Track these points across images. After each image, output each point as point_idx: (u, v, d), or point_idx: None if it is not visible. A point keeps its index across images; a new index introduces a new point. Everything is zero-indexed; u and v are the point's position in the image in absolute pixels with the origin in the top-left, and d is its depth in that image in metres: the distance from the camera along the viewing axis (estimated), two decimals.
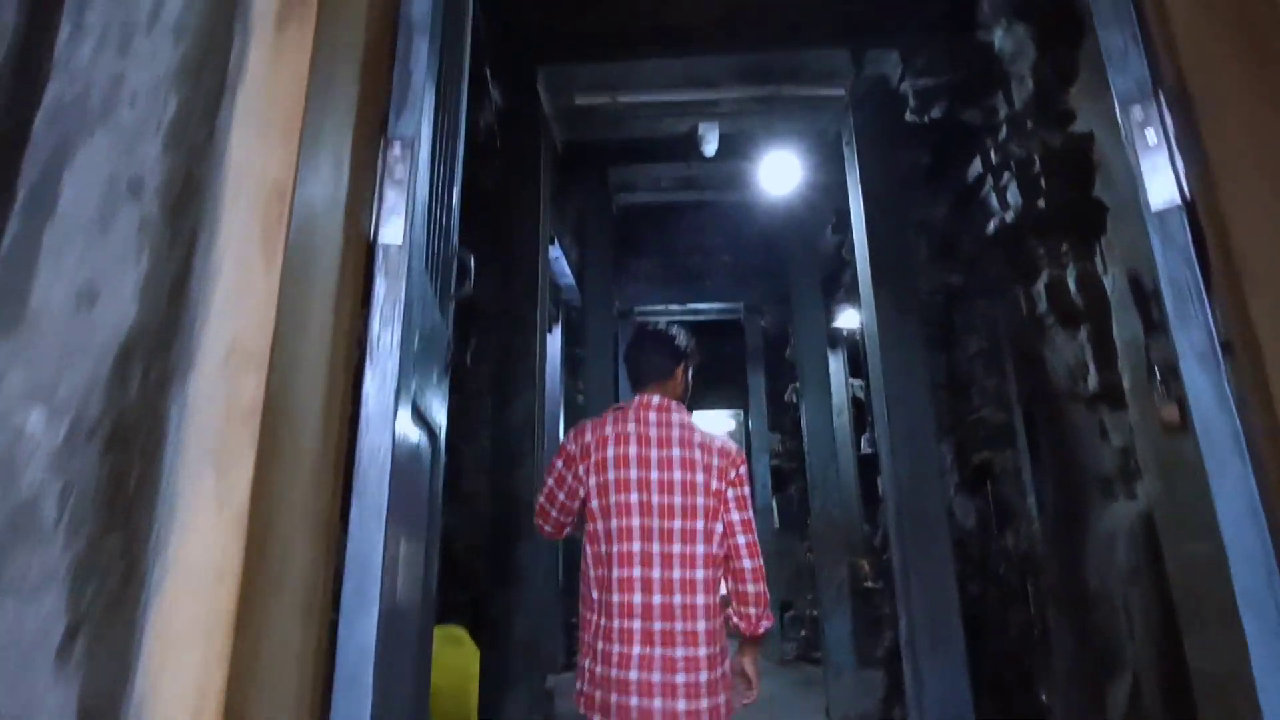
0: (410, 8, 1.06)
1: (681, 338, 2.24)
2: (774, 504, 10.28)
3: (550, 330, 8.29)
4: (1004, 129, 3.41)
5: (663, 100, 3.82)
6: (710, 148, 4.20)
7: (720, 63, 3.67)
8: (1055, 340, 3.21)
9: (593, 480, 1.99)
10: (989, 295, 3.71)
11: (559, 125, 4.04)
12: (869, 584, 7.62)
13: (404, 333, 0.95)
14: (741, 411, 10.73)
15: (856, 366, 8.14)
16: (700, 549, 1.91)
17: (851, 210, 3.97)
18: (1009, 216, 3.35)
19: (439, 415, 1.25)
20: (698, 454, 1.99)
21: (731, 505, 1.98)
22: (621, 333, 9.58)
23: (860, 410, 8.20)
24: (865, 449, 7.55)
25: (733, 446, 2.13)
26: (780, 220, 6.64)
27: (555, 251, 7.20)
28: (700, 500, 1.94)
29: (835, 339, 8.03)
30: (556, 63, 3.65)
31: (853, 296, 6.65)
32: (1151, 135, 0.99)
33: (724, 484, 1.99)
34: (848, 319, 7.54)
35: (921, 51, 3.46)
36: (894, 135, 3.70)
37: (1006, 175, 3.37)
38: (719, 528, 1.95)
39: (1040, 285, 3.27)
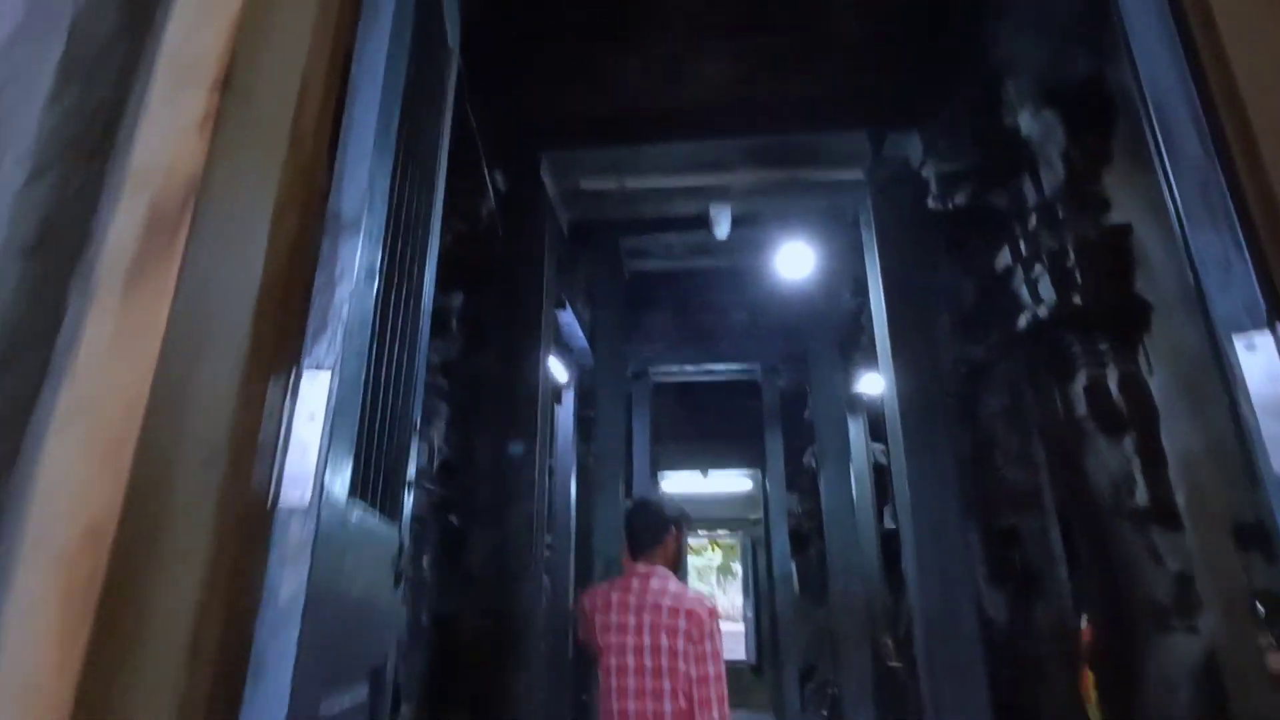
0: (339, 204, 0.88)
1: (669, 509, 2.70)
2: (793, 567, 9.92)
3: (560, 400, 8.11)
4: (1033, 217, 3.20)
5: (672, 185, 3.67)
6: (722, 230, 4.03)
7: (733, 145, 3.51)
8: (1097, 448, 2.95)
9: (597, 633, 2.53)
10: (1018, 392, 3.46)
11: (565, 208, 3.90)
12: (892, 663, 7.22)
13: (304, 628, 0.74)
14: (759, 471, 10.42)
15: (878, 430, 7.86)
16: (667, 685, 2.41)
17: (870, 295, 3.76)
18: (1042, 311, 3.12)
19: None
20: (666, 617, 2.45)
21: (693, 660, 2.40)
22: (636, 394, 9.40)
23: (881, 476, 7.88)
24: (888, 524, 7.22)
25: (702, 608, 2.47)
26: (797, 284, 6.45)
27: (567, 316, 7.06)
28: (665, 659, 2.42)
29: (855, 403, 7.76)
30: (561, 148, 3.51)
31: (872, 360, 6.43)
32: (1266, 371, 0.77)
33: (688, 643, 2.42)
34: (868, 383, 7.29)
35: (944, 135, 3.28)
36: (915, 220, 3.50)
37: (1038, 267, 3.15)
38: (688, 669, 2.41)
39: (1078, 386, 3.02)
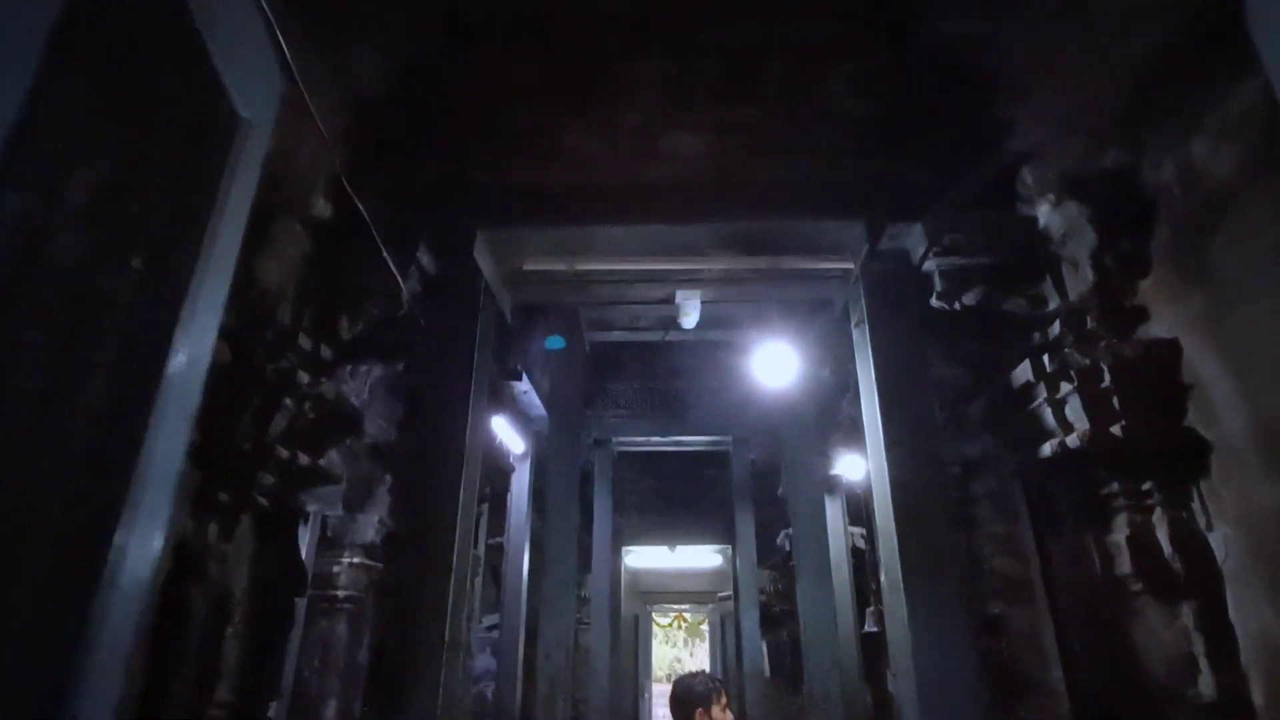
0: None
1: (697, 687, 2.90)
2: (763, 649, 9.23)
3: (511, 472, 7.45)
4: (1058, 326, 2.71)
5: (633, 269, 3.13)
6: (690, 320, 3.50)
7: (705, 228, 2.99)
8: (1146, 618, 2.41)
9: None
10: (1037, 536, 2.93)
11: (506, 291, 3.33)
12: None
13: None
14: (729, 547, 9.78)
15: (857, 513, 7.31)
16: None
17: (861, 393, 3.22)
18: (1072, 441, 2.60)
19: None
20: None
21: None
22: (598, 464, 8.76)
23: (861, 561, 7.30)
24: (869, 626, 6.62)
25: None
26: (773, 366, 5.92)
27: (524, 385, 6.49)
28: None
29: (833, 485, 7.21)
30: (501, 225, 2.96)
31: (853, 442, 5.90)
32: None
33: None
34: (847, 465, 6.74)
35: (951, 227, 2.80)
36: (916, 321, 2.99)
37: (1066, 387, 2.64)
38: None
39: (1118, 535, 2.49)
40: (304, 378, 2.89)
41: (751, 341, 5.04)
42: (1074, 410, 2.65)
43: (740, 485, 8.69)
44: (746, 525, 8.75)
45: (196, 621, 2.59)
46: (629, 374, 8.38)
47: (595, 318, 5.65)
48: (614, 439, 8.78)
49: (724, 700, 3.00)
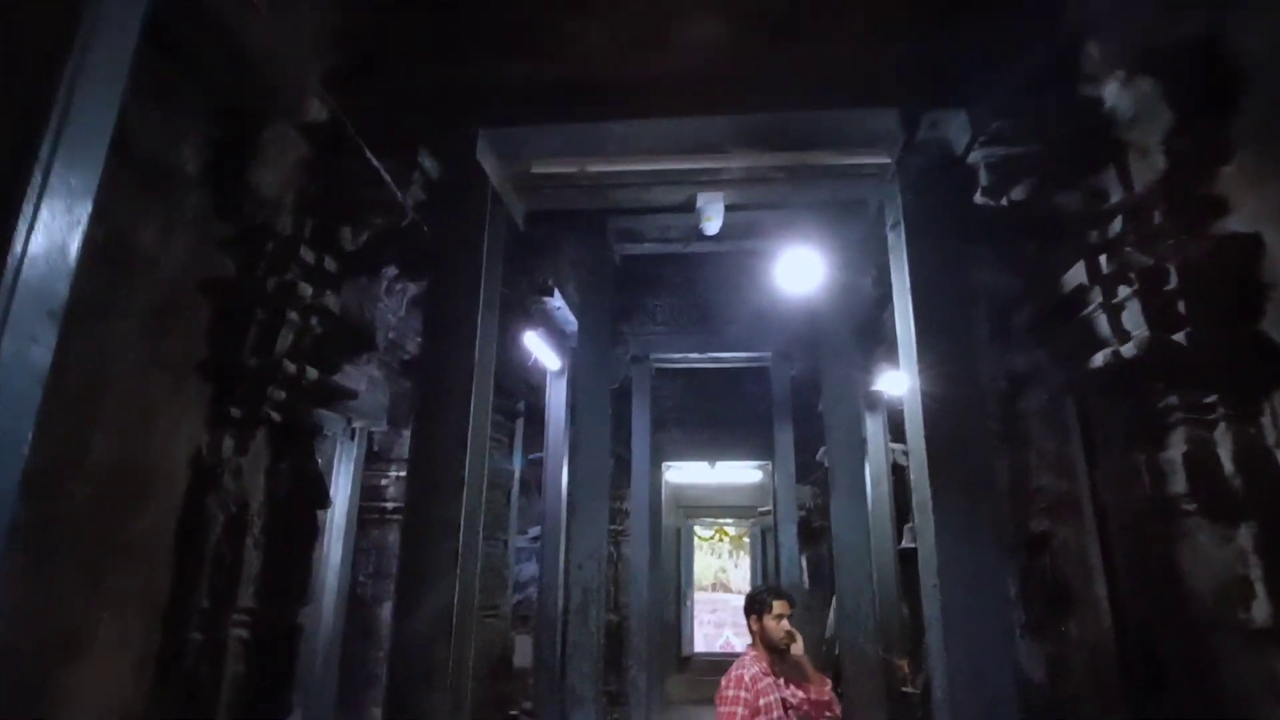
0: None
1: (754, 598, 3.19)
2: (802, 563, 9.28)
3: (552, 386, 7.42)
4: (1120, 222, 2.41)
5: (647, 169, 2.90)
6: (713, 225, 3.26)
7: (725, 122, 2.73)
8: (1196, 539, 2.21)
9: None
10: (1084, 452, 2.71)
11: (516, 196, 3.14)
12: (907, 689, 6.59)
13: None
14: (769, 462, 9.72)
15: (899, 429, 7.11)
16: None
17: (895, 299, 2.99)
18: (1127, 350, 2.35)
19: None
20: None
21: None
22: (637, 380, 8.67)
23: (901, 479, 7.16)
24: (906, 542, 6.52)
25: (722, 682, 2.93)
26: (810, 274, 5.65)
27: (556, 301, 6.38)
28: None
29: (874, 401, 7.00)
30: (504, 124, 2.75)
31: (895, 357, 5.66)
32: None
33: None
34: (890, 381, 6.52)
35: (1000, 114, 2.48)
36: (957, 222, 2.71)
37: (1124, 290, 2.37)
38: None
39: (1173, 452, 2.27)
40: (307, 290, 2.80)
41: (788, 253, 4.76)
42: (1132, 317, 2.39)
43: (780, 401, 8.53)
44: (786, 441, 8.63)
45: (214, 532, 2.61)
46: (665, 289, 8.17)
47: (623, 228, 5.43)
48: (651, 355, 8.65)
49: (778, 610, 2.99)
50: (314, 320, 2.89)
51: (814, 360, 7.88)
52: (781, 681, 2.92)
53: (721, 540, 18.59)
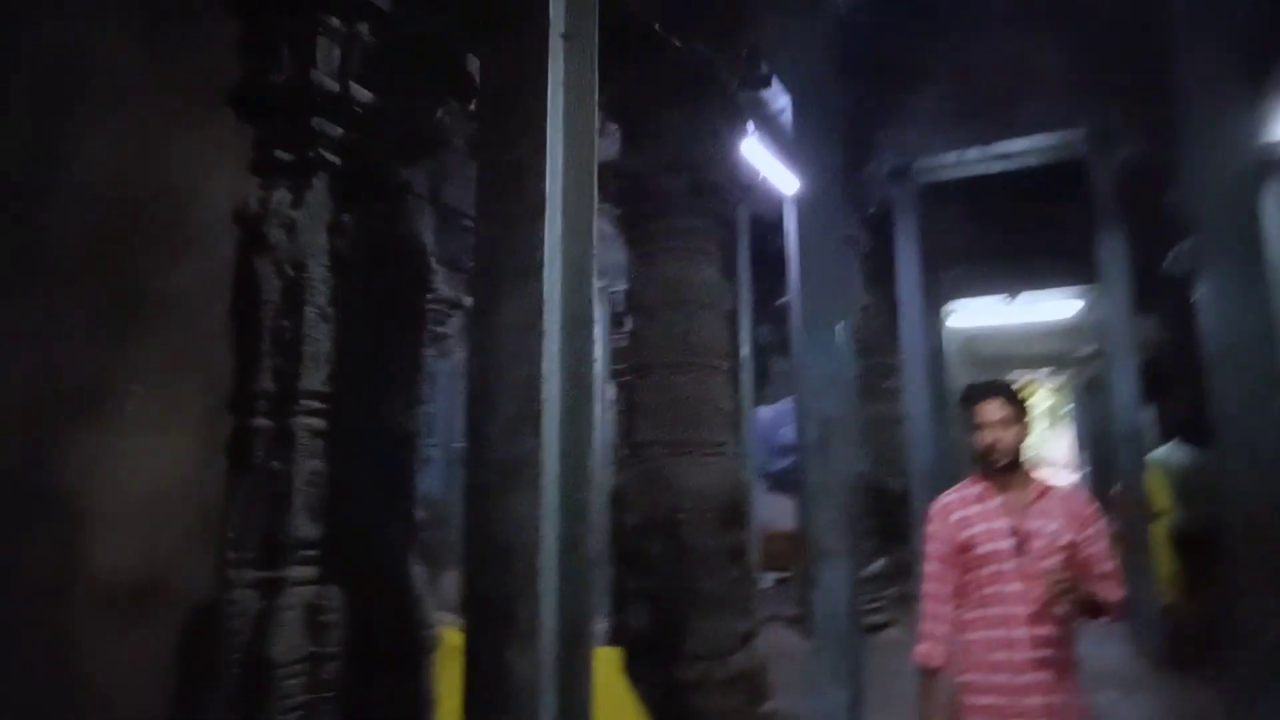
0: None
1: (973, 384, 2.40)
2: (1148, 419, 7.05)
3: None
4: None
5: None
6: None
7: None
8: None
9: None
10: None
11: None
12: None
13: None
14: (1089, 289, 7.44)
15: None
16: None
17: None
18: None
19: None
20: None
21: None
22: (899, 200, 6.95)
23: None
24: None
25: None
26: None
27: (781, 102, 5.10)
28: None
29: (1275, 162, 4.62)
30: None
31: None
32: None
33: None
34: None
35: None
36: None
37: None
38: None
39: None
40: None
41: None
42: None
43: (1103, 200, 6.27)
44: (1115, 257, 6.39)
45: (269, 298, 2.06)
46: (925, 75, 6.28)
47: None
48: (915, 166, 6.85)
49: (980, 415, 2.18)
50: (364, 27, 2.12)
51: (1156, 130, 5.51)
52: (1012, 509, 2.14)
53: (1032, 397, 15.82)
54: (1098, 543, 2.13)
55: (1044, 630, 2.01)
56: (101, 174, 1.89)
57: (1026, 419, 2.23)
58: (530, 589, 1.62)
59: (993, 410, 2.19)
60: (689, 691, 3.46)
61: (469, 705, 1.67)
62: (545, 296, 1.71)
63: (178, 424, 1.95)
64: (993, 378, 2.38)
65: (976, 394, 2.25)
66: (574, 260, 1.80)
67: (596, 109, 1.94)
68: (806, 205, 3.97)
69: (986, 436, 2.18)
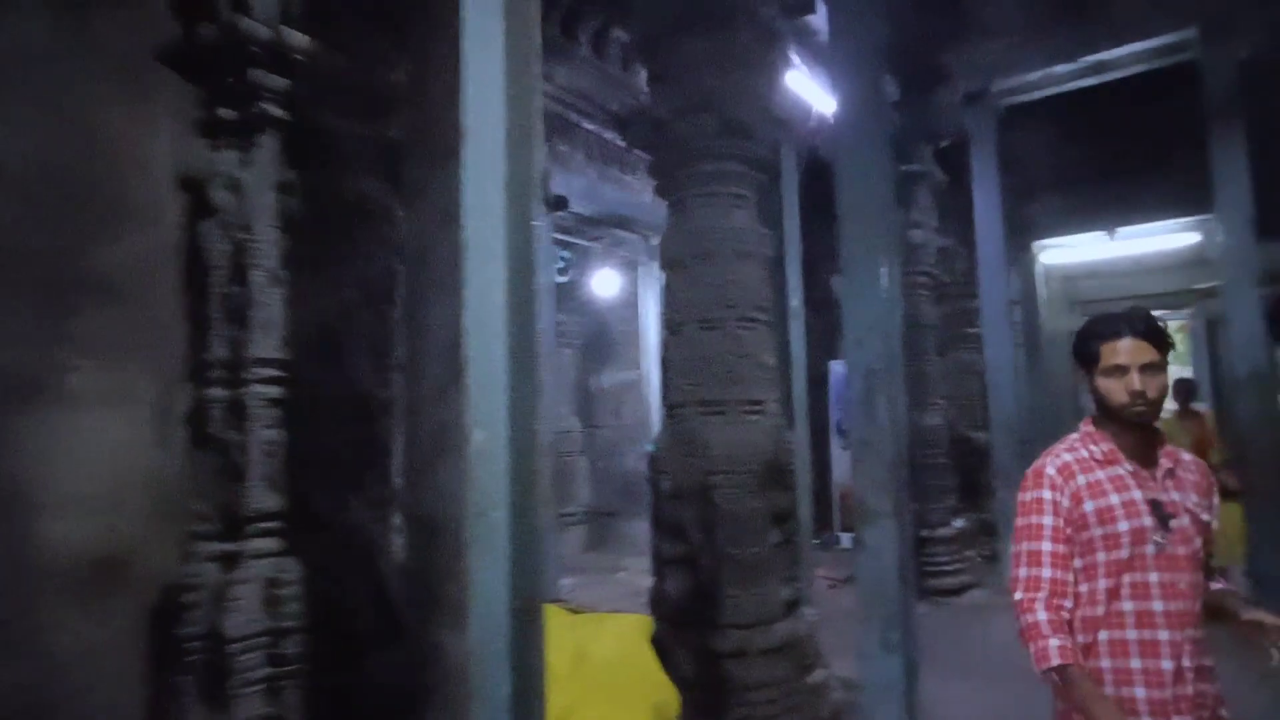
0: None
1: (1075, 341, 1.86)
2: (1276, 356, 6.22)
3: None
4: None
5: None
6: None
7: None
8: None
9: None
10: None
11: None
12: None
13: None
14: (1203, 217, 6.57)
15: None
16: None
17: None
18: None
19: None
20: None
21: None
22: (975, 127, 6.33)
23: None
24: None
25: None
26: None
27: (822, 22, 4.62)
28: None
29: None
30: None
31: None
32: None
33: None
34: None
35: None
36: None
37: None
38: None
39: None
40: None
41: None
42: None
43: (1219, 111, 5.44)
44: (1234, 176, 5.57)
45: (217, 263, 2.00)
46: None
47: None
48: (992, 88, 6.18)
49: (1118, 356, 1.66)
50: None
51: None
52: (1143, 479, 1.67)
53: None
54: (1215, 521, 1.69)
55: (1194, 632, 1.58)
56: (30, 149, 1.82)
57: (1168, 364, 1.70)
58: (458, 565, 1.47)
59: (1139, 351, 1.69)
60: (726, 661, 3.28)
61: (407, 690, 1.55)
62: (468, 239, 1.52)
63: (132, 399, 1.90)
64: (1133, 307, 1.76)
65: (1113, 328, 1.73)
66: (515, 199, 1.60)
67: (538, 26, 1.71)
68: (844, 135, 3.57)
69: (1134, 382, 1.68)
